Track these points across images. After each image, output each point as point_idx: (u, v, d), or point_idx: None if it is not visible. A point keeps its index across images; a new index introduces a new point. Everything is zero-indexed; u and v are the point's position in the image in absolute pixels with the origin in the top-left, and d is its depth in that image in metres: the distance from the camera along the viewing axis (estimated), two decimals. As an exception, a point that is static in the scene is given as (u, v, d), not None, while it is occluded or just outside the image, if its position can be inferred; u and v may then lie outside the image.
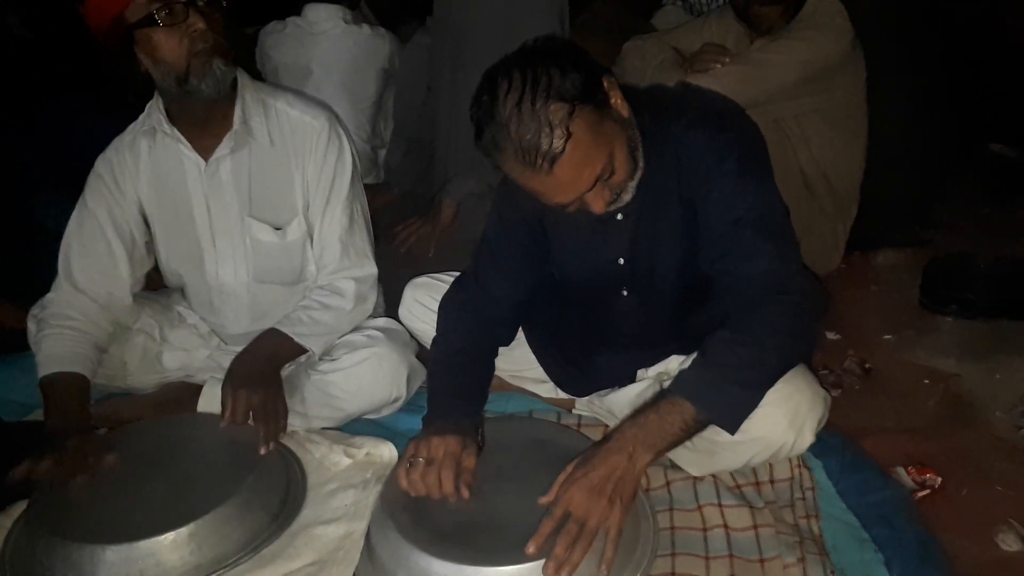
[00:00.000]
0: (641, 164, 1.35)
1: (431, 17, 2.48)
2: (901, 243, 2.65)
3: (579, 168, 1.23)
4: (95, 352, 1.68)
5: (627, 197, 1.36)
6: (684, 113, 1.37)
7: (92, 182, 1.73)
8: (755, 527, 1.41)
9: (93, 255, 1.73)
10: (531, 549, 1.21)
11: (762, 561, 1.35)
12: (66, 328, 1.66)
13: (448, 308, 1.62)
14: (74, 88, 2.84)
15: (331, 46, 2.75)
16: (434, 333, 1.64)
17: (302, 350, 1.69)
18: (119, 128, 1.77)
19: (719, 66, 2.05)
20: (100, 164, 1.73)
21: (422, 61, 2.58)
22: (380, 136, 2.94)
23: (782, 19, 2.14)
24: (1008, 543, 1.46)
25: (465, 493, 1.35)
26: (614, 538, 1.23)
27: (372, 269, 1.79)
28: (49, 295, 1.72)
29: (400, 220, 2.47)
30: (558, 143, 1.19)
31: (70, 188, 2.23)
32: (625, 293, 1.54)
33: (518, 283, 1.58)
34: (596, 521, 1.21)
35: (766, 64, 2.04)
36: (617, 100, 1.29)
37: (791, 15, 2.15)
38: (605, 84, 1.27)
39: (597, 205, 1.29)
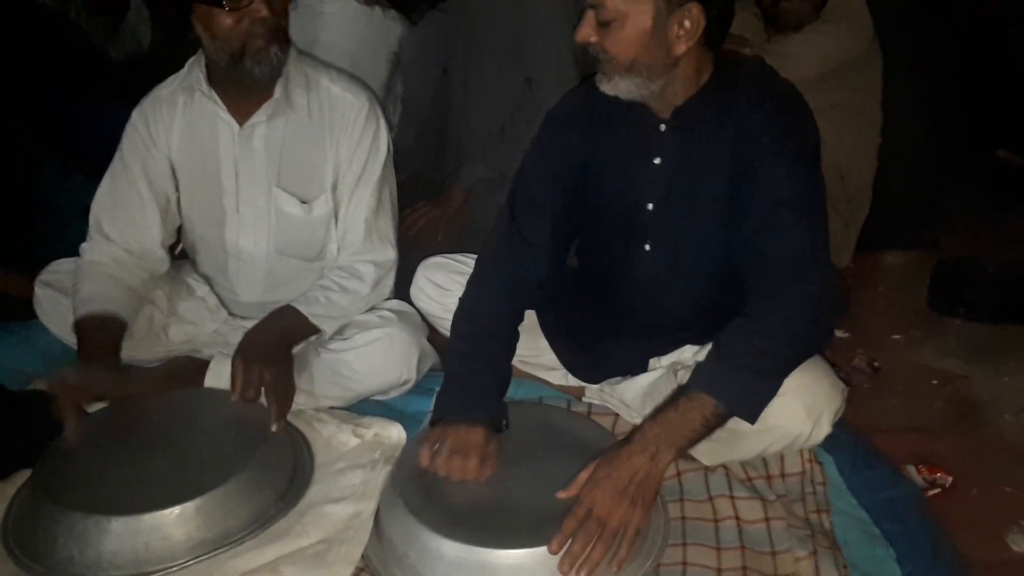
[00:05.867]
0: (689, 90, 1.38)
1: (446, 0, 2.46)
2: (909, 245, 2.65)
3: None
4: (128, 294, 1.67)
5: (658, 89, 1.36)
6: (755, 86, 1.38)
7: (128, 133, 1.72)
8: (767, 520, 1.41)
9: (126, 207, 1.72)
10: (554, 548, 1.20)
11: (774, 554, 1.34)
12: (100, 273, 1.66)
13: (486, 269, 1.58)
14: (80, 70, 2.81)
15: (342, 27, 2.72)
16: (443, 314, 1.63)
17: (315, 330, 1.67)
18: (124, 105, 1.75)
19: (739, 57, 2.04)
20: (136, 115, 1.72)
21: (434, 44, 2.55)
22: (388, 120, 2.91)
23: (812, 14, 2.12)
24: (1018, 544, 1.46)
25: (486, 474, 1.36)
26: (630, 538, 1.23)
27: (392, 255, 1.77)
28: (82, 246, 1.72)
29: (409, 204, 2.44)
30: None
31: (77, 163, 2.21)
32: (648, 247, 1.52)
33: (555, 229, 1.54)
34: (617, 522, 1.21)
35: (786, 57, 2.03)
36: (684, 27, 1.29)
37: (819, 11, 2.13)
38: (695, 9, 1.28)
39: (581, 28, 1.32)
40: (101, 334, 1.57)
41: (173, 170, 1.74)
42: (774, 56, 2.04)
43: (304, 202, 1.71)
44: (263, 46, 1.53)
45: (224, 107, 1.65)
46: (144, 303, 1.74)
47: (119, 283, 1.66)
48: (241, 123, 1.66)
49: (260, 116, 1.65)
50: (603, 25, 1.30)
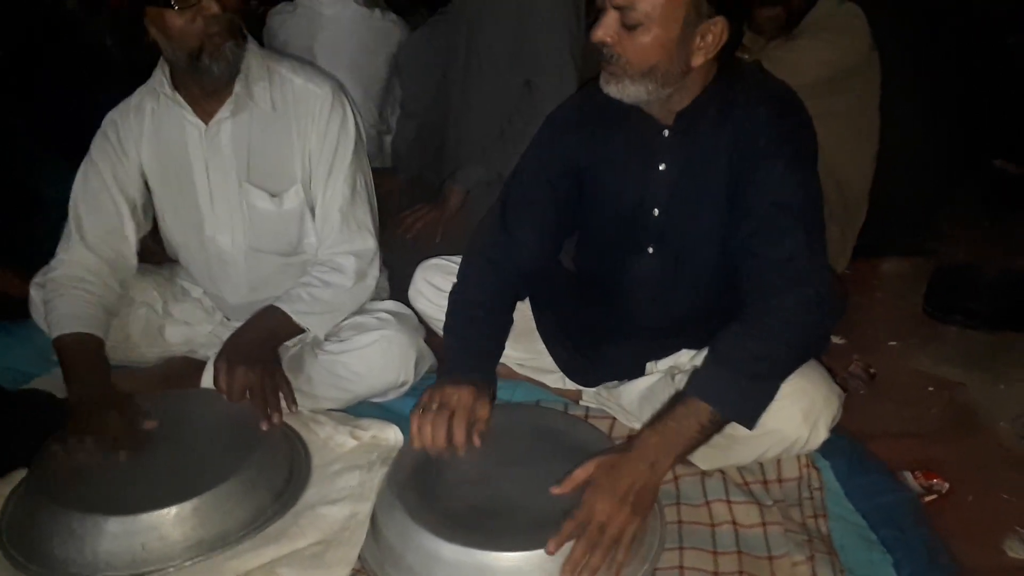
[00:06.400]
0: (678, 97, 1.37)
1: (450, 4, 2.46)
2: (906, 251, 2.66)
3: None
4: (106, 315, 1.66)
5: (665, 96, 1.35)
6: (753, 89, 1.38)
7: (98, 141, 1.72)
8: (764, 524, 1.41)
9: (100, 212, 1.71)
10: (551, 548, 1.20)
11: (771, 558, 1.34)
12: (77, 290, 1.64)
13: (474, 258, 1.60)
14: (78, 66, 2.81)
15: (341, 29, 2.73)
16: (441, 315, 1.61)
17: (300, 329, 1.66)
18: (119, 96, 1.75)
19: (737, 63, 2.05)
20: (106, 124, 1.72)
21: (433, 47, 2.56)
22: (386, 122, 2.92)
23: (781, 24, 2.13)
24: (1015, 551, 1.46)
25: (477, 442, 1.35)
26: (627, 544, 1.22)
27: (371, 243, 1.76)
28: (59, 256, 1.71)
29: (407, 206, 2.45)
30: None
31: (74, 157, 2.21)
32: (651, 251, 1.52)
33: (544, 230, 1.56)
34: (616, 529, 1.21)
35: (784, 63, 2.03)
36: (707, 40, 1.29)
37: (794, 22, 2.14)
38: (721, 23, 1.28)
39: (601, 28, 1.29)
40: (85, 363, 1.55)
41: (144, 179, 1.74)
42: (772, 62, 2.06)
43: (274, 195, 1.70)
44: (219, 43, 1.52)
45: (189, 108, 1.65)
46: (113, 318, 1.72)
47: (94, 302, 1.65)
48: (207, 122, 1.66)
49: (224, 113, 1.65)
50: (629, 28, 1.28)
